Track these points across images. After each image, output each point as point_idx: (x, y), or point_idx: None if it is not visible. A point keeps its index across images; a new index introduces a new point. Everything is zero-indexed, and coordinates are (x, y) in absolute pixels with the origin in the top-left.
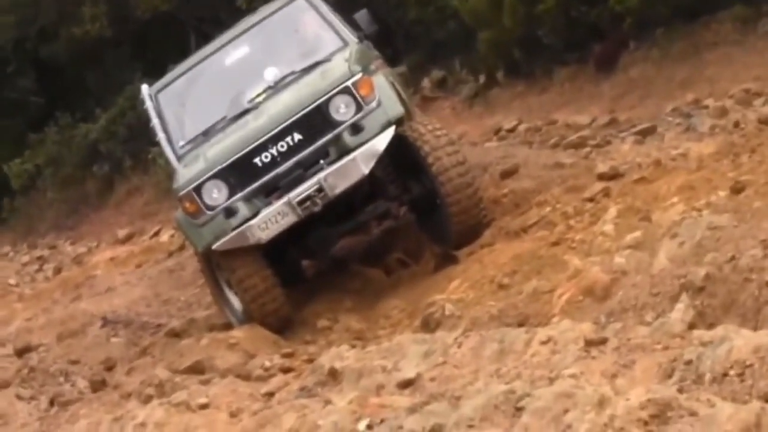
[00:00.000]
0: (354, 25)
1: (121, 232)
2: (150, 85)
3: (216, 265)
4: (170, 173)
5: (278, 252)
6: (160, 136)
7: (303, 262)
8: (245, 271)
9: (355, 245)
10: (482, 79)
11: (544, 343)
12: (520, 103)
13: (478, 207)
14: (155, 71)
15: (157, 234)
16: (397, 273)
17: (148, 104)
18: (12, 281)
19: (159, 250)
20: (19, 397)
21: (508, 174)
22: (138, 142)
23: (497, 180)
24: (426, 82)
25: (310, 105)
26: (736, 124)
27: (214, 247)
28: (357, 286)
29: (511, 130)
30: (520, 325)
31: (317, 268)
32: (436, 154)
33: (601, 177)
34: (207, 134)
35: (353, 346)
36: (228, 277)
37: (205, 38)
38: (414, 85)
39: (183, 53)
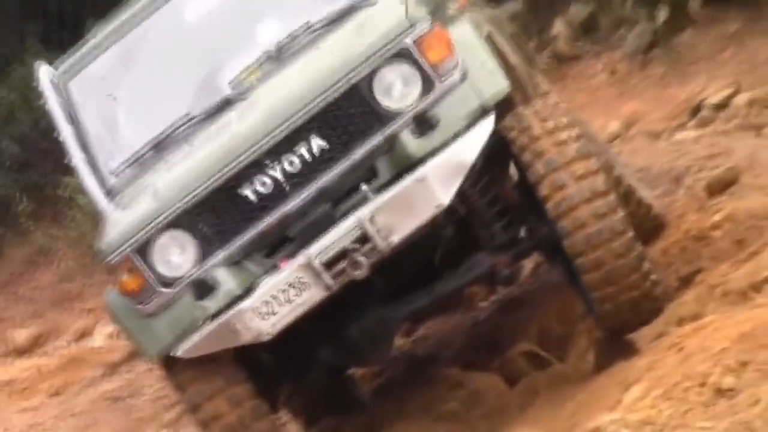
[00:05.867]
0: None
1: (19, 335)
2: (52, 63)
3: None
4: (97, 221)
5: (295, 355)
6: (75, 154)
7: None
8: (207, 388)
9: (448, 331)
10: (663, 15)
11: None
12: (734, 54)
13: (637, 271)
14: (61, 38)
15: (83, 335)
16: (528, 378)
17: (51, 100)
18: None
19: (90, 362)
20: None
21: (719, 187)
22: (38, 168)
23: (701, 198)
24: (559, 27)
25: (339, 85)
26: None
27: (178, 353)
28: (455, 407)
29: (722, 106)
30: None
31: (379, 376)
32: (555, 178)
33: None
34: (159, 148)
35: None
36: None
37: None
38: (538, 33)
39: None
